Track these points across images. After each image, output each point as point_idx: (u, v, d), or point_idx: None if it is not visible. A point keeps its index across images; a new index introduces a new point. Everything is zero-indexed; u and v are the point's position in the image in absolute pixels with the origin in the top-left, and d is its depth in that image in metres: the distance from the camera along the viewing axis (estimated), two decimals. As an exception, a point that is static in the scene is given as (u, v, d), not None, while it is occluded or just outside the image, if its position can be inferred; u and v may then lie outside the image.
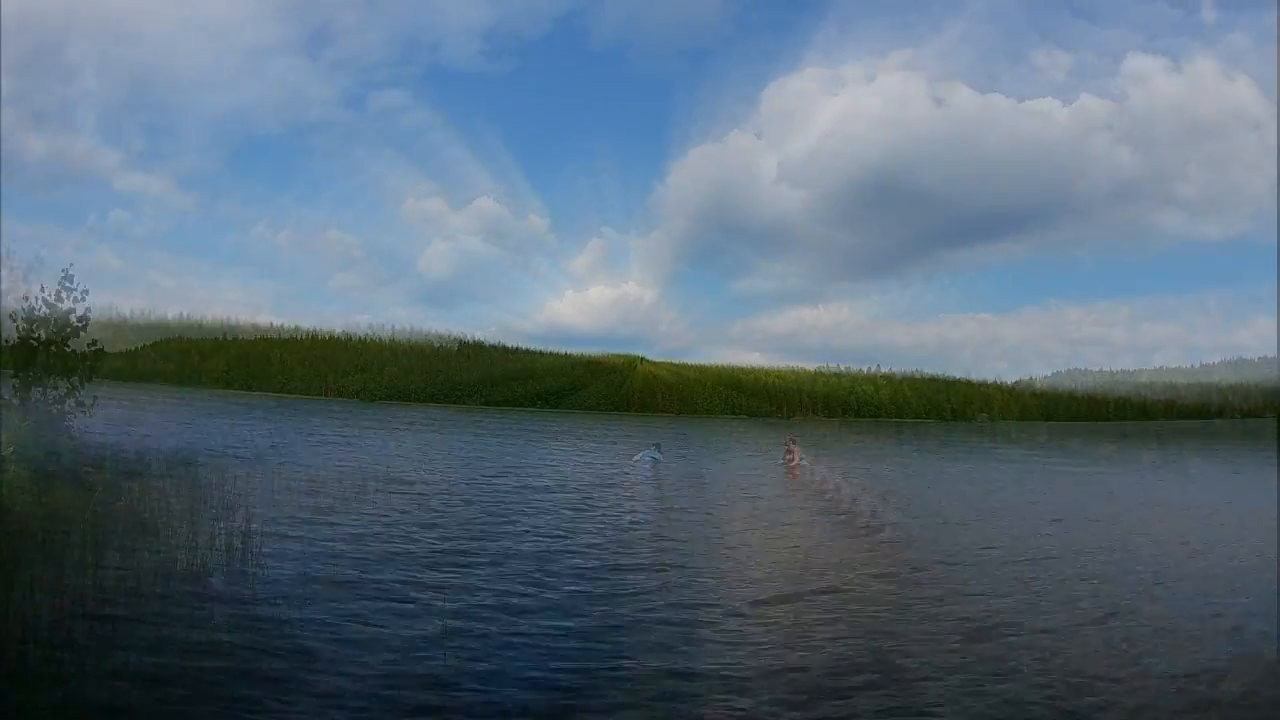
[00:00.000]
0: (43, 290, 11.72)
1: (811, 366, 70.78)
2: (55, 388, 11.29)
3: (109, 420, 12.10)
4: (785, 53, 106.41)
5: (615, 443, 25.76)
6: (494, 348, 71.66)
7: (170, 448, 13.43)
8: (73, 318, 11.92)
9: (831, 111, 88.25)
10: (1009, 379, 74.71)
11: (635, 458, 18.64)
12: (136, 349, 61.11)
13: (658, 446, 19.01)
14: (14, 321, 11.46)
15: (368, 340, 69.86)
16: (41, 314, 11.49)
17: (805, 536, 9.97)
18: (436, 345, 70.61)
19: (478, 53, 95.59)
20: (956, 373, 73.54)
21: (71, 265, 12.03)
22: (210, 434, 19.64)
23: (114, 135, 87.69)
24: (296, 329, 71.81)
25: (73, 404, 11.36)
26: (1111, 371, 74.93)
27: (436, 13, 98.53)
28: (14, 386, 11.04)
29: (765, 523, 10.79)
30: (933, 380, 66.64)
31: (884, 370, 74.22)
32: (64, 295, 11.77)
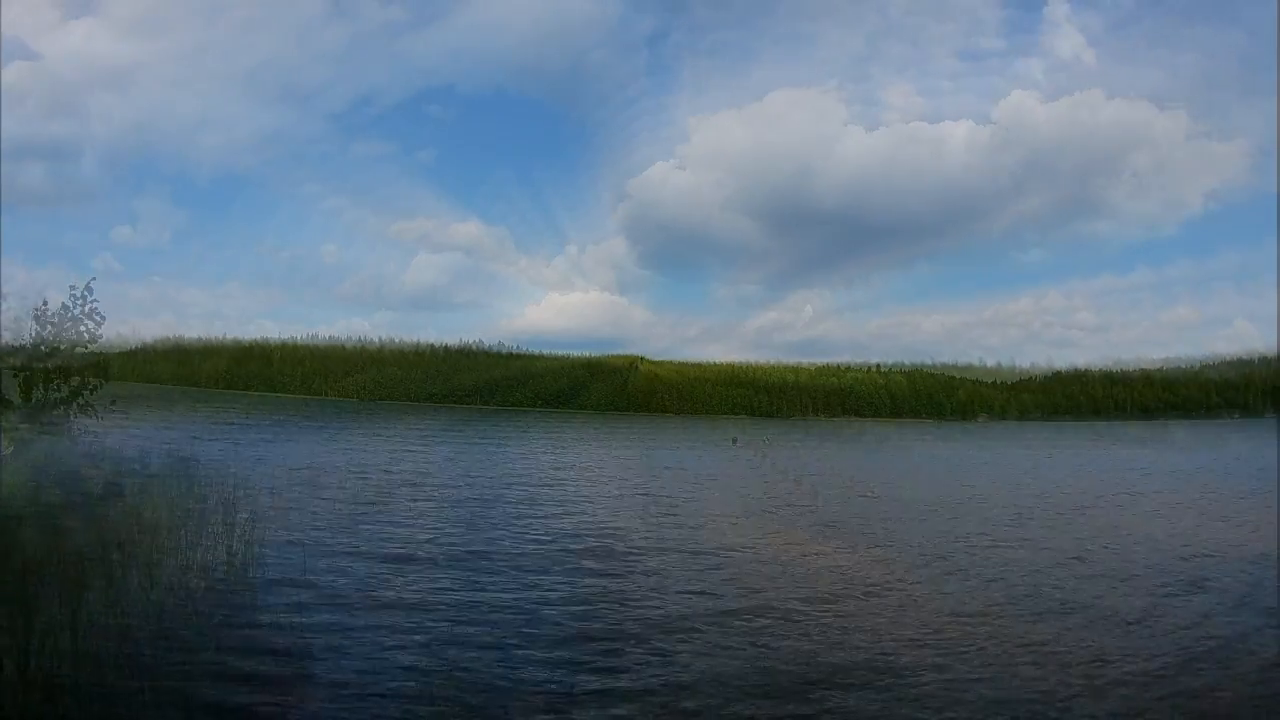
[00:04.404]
0: (45, 305, 10.54)
1: (808, 362, 71.10)
2: (56, 424, 10.18)
3: (111, 423, 11.55)
4: (709, 89, 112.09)
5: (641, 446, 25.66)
6: (489, 352, 70.63)
7: (172, 452, 12.82)
8: (83, 334, 10.61)
9: (751, 138, 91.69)
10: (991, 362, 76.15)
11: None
12: (137, 348, 60.02)
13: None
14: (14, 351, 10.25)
15: (363, 348, 68.90)
16: (48, 343, 10.40)
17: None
18: (428, 351, 69.46)
19: (442, 102, 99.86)
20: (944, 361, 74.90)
21: (94, 278, 10.80)
22: (212, 437, 19.33)
23: (115, 164, 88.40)
24: (295, 332, 71.08)
25: (74, 432, 10.34)
26: (1113, 359, 75.18)
27: (398, 72, 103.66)
28: (17, 414, 9.93)
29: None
30: (928, 374, 67.13)
31: (876, 360, 74.74)
32: (78, 309, 10.59)
